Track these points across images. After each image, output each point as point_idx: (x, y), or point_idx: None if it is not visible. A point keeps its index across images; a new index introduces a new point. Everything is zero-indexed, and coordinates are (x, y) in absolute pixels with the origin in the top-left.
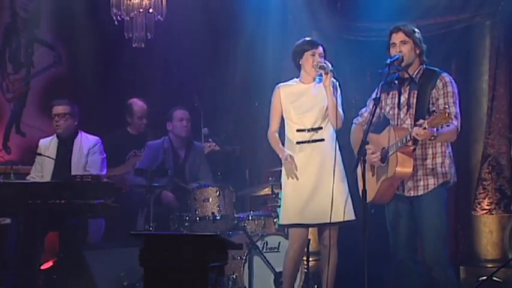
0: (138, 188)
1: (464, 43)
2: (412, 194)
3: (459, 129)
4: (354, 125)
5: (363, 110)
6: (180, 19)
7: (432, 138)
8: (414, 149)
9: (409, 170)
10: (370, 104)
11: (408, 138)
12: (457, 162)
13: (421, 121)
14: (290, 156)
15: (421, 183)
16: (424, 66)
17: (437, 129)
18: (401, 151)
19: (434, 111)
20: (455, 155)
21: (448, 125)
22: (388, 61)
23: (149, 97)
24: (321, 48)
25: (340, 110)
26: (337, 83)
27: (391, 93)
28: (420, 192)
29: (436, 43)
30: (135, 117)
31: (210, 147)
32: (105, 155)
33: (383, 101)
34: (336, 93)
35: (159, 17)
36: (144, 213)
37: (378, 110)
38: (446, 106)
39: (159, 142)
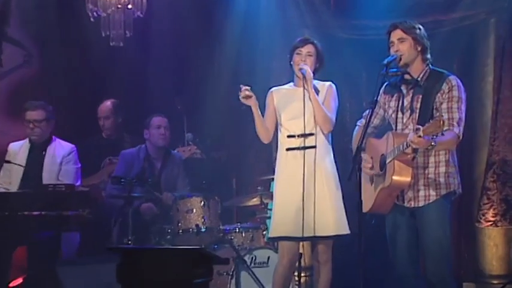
0: (115, 198)
1: (467, 42)
2: (412, 205)
3: (460, 137)
4: (356, 127)
5: (368, 111)
6: (161, 16)
7: (430, 147)
8: (414, 157)
9: (407, 179)
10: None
11: (405, 145)
12: (459, 170)
13: (417, 127)
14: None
15: (422, 193)
16: (430, 67)
17: (434, 137)
18: (399, 159)
19: (439, 115)
20: (458, 163)
21: (442, 134)
22: (385, 61)
23: (128, 100)
24: (309, 47)
25: (329, 113)
26: (333, 86)
27: (395, 95)
28: (421, 203)
29: (437, 42)
30: (101, 118)
31: (190, 151)
32: (79, 165)
33: (386, 104)
34: (331, 97)
35: (138, 13)
36: (118, 226)
37: (382, 112)
38: (449, 111)
39: (134, 151)
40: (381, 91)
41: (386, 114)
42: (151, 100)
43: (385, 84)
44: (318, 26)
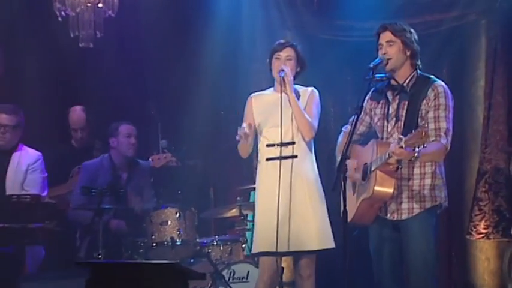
0: (84, 209)
1: (456, 44)
2: (395, 218)
3: (448, 148)
4: (341, 133)
5: (353, 117)
6: (134, 16)
7: (413, 158)
8: (397, 168)
9: (390, 190)
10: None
11: (387, 156)
12: (449, 180)
13: (399, 138)
14: (248, 126)
15: (405, 206)
16: (419, 72)
17: (416, 149)
18: (382, 169)
19: (424, 125)
20: (447, 172)
21: (424, 146)
22: (371, 65)
23: (98, 105)
24: (288, 51)
25: (310, 119)
26: (316, 92)
27: (380, 102)
28: (404, 216)
29: (425, 44)
30: (77, 130)
31: (165, 159)
32: (46, 174)
33: (372, 111)
34: (313, 103)
35: (109, 13)
36: (87, 239)
37: (368, 119)
38: (436, 121)
39: (97, 162)
40: (367, 97)
41: (372, 121)
42: (123, 105)
43: (371, 89)
44: (300, 27)
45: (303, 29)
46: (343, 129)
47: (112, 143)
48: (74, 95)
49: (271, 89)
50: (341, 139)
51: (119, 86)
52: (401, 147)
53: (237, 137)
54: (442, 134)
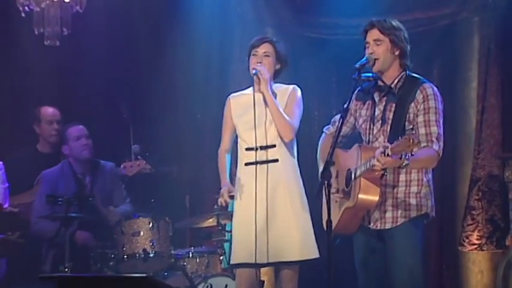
0: (50, 219)
1: (448, 44)
2: (378, 227)
3: (441, 154)
4: (323, 134)
5: (337, 117)
6: (104, 12)
7: (402, 165)
8: (383, 175)
9: (374, 198)
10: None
11: (372, 163)
12: (440, 188)
13: (385, 145)
14: (229, 194)
15: (389, 214)
16: (407, 73)
17: (406, 155)
18: (366, 176)
19: (411, 129)
20: (438, 179)
21: (411, 154)
22: (357, 65)
23: (66, 108)
24: (266, 47)
25: (289, 119)
26: (298, 90)
27: (366, 103)
28: (387, 226)
29: (415, 44)
30: (43, 122)
31: (138, 166)
32: (8, 184)
33: (357, 112)
34: (294, 102)
35: (77, 8)
36: (53, 251)
37: (352, 120)
38: (426, 125)
39: (56, 170)
40: (353, 97)
41: (356, 123)
42: (93, 107)
43: (357, 89)
44: (281, 25)
45: (284, 26)
46: (324, 130)
47: (65, 150)
48: (39, 97)
49: (250, 88)
50: (322, 142)
51: (87, 86)
52: (388, 155)
53: (218, 202)
54: (434, 139)
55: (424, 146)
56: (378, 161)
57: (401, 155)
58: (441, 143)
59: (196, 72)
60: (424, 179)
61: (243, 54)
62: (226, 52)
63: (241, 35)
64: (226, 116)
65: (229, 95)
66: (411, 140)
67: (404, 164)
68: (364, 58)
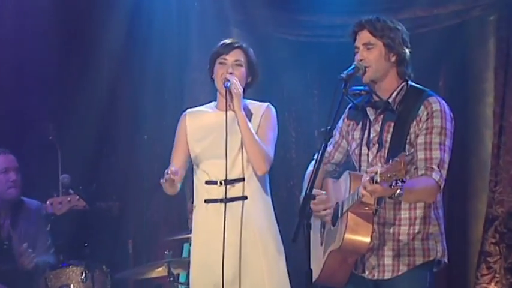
0: None
1: (457, 48)
2: (375, 277)
3: (442, 185)
4: (312, 162)
5: (337, 135)
6: (24, 14)
7: (394, 196)
8: (376, 210)
9: (364, 239)
10: (336, 133)
11: (359, 193)
12: (447, 227)
13: (374, 169)
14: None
15: (389, 261)
16: (409, 83)
17: (396, 183)
18: (355, 211)
19: (404, 153)
20: (446, 217)
21: (403, 181)
22: (343, 75)
23: None
24: (237, 54)
25: (264, 147)
26: (272, 109)
27: (360, 123)
28: (387, 275)
29: (416, 47)
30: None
31: (69, 203)
32: None
33: (349, 133)
34: (268, 124)
35: None
36: None
37: (345, 143)
38: (427, 149)
39: None
40: (344, 115)
41: (349, 147)
42: (10, 127)
43: (348, 106)
44: (250, 24)
45: (254, 26)
46: (314, 157)
47: None
48: None
49: (213, 104)
50: (309, 172)
51: (5, 101)
52: (376, 182)
53: (161, 180)
54: (434, 166)
55: (421, 174)
56: (364, 189)
57: (392, 183)
58: (443, 172)
59: (145, 82)
60: (432, 215)
61: (202, 60)
62: (182, 58)
63: (201, 37)
64: (179, 136)
65: (185, 110)
66: (402, 163)
67: (397, 194)
68: (352, 66)
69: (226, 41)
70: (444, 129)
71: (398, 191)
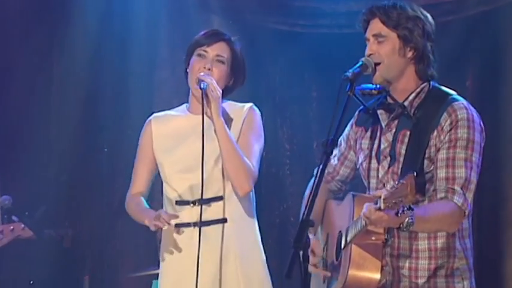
0: None
1: (486, 40)
2: None
3: (466, 212)
4: (313, 179)
5: (334, 152)
6: None
7: (403, 226)
8: (386, 240)
9: (373, 276)
10: (341, 143)
11: (363, 222)
12: (476, 260)
13: (378, 194)
14: (166, 216)
15: None
16: (432, 84)
17: (403, 210)
18: (359, 242)
19: (431, 171)
20: (476, 249)
21: (410, 208)
22: (349, 73)
23: None
24: (220, 47)
25: (247, 160)
26: (256, 111)
27: (369, 130)
28: None
29: (439, 40)
30: None
31: (13, 233)
32: None
33: (357, 142)
34: (251, 130)
35: None
36: None
37: (352, 155)
38: (449, 166)
39: None
40: (353, 120)
41: (357, 159)
42: None
43: (359, 108)
44: (236, 11)
45: (239, 13)
46: (314, 173)
47: None
48: None
49: (184, 107)
50: (309, 191)
51: None
52: (379, 209)
53: (145, 221)
54: (457, 187)
55: (440, 198)
56: (366, 217)
57: (398, 210)
58: (469, 195)
59: (104, 83)
60: (458, 246)
61: (174, 54)
62: (151, 53)
63: (173, 27)
64: (143, 144)
65: (151, 115)
66: (409, 187)
67: (406, 224)
68: (359, 62)
69: (212, 30)
70: (471, 142)
71: (408, 219)
